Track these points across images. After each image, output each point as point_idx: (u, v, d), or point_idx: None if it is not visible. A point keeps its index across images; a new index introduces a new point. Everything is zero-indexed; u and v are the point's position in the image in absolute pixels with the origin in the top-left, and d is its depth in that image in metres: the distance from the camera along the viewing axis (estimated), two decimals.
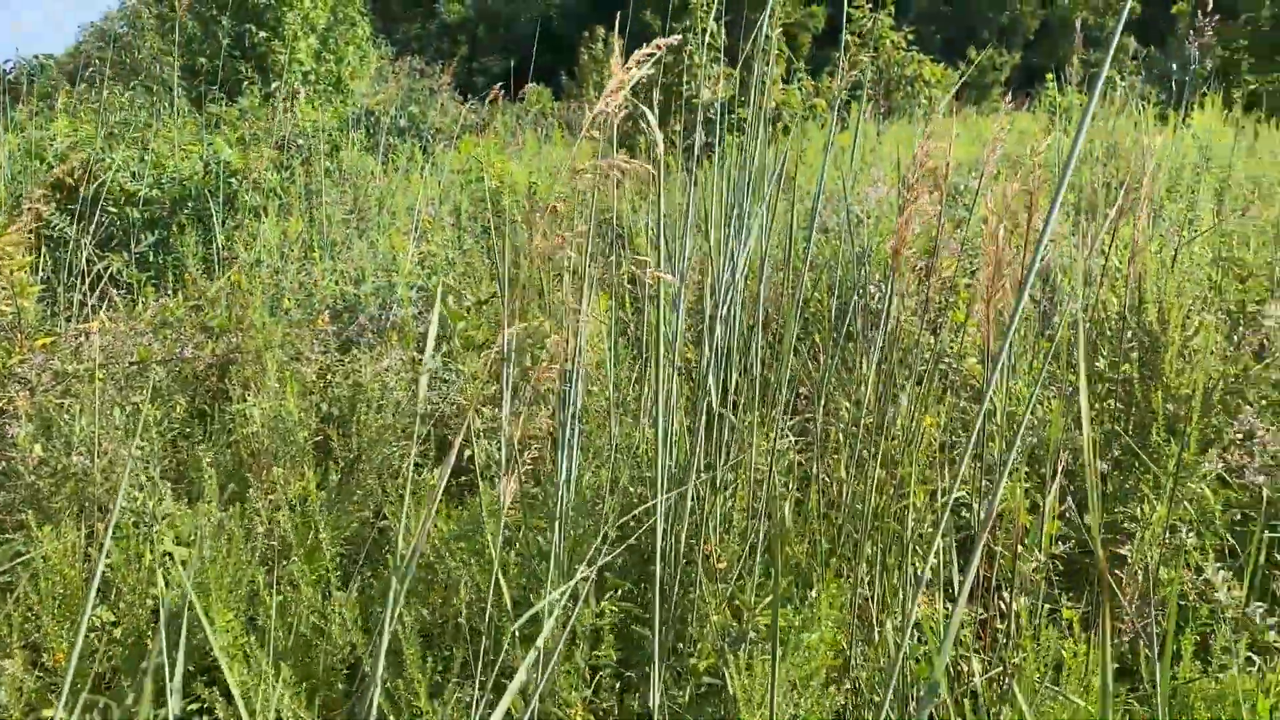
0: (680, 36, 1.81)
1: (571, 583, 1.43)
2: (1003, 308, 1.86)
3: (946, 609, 1.90)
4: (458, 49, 38.81)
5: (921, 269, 2.51)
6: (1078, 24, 9.36)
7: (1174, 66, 10.66)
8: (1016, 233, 2.75)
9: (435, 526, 1.94)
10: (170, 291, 3.55)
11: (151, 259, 3.97)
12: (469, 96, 16.83)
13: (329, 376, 2.61)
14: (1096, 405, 2.61)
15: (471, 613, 1.77)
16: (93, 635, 1.85)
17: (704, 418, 1.76)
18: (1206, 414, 2.30)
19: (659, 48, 1.39)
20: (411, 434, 2.33)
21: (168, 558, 1.87)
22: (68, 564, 1.82)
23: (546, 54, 35.88)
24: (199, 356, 2.65)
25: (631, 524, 1.83)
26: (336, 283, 4.00)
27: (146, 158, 4.37)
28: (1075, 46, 9.09)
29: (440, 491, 1.25)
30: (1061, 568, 2.20)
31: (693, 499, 1.78)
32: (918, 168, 1.65)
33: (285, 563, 1.89)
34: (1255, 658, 1.87)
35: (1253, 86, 10.61)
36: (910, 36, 12.38)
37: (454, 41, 39.27)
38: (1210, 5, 7.53)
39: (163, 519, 1.97)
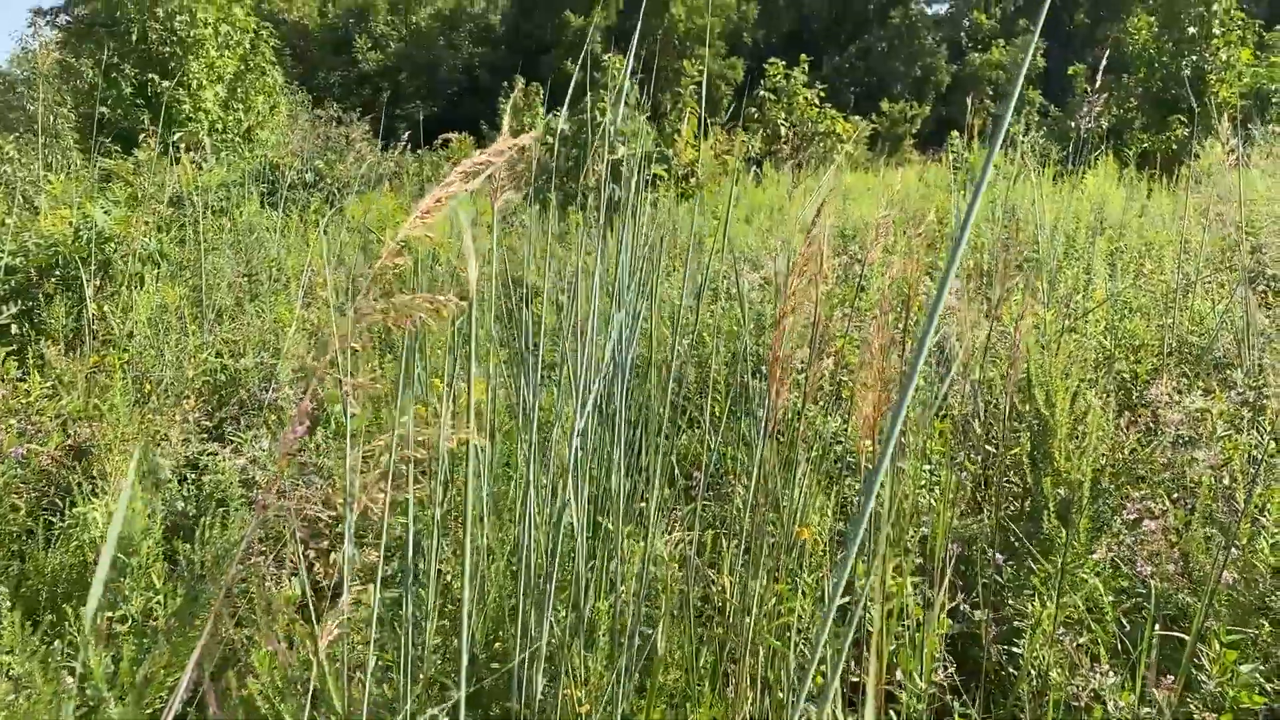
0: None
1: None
2: (887, 402, 1.79)
3: None
4: (378, 96, 38.53)
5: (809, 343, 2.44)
6: (971, 102, 9.63)
7: (1071, 125, 11.06)
8: (915, 301, 2.70)
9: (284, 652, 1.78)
10: (29, 370, 3.31)
11: (15, 330, 3.72)
12: (389, 143, 16.65)
13: (189, 471, 2.43)
14: (991, 489, 2.56)
15: None
16: None
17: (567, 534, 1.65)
18: (1096, 499, 2.26)
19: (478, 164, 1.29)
20: (273, 537, 2.16)
21: None
22: None
23: (469, 103, 35.85)
24: (43, 451, 2.44)
25: (498, 646, 1.70)
26: (218, 354, 3.80)
27: (9, 221, 4.12)
28: (976, 108, 9.34)
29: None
30: (954, 663, 2.13)
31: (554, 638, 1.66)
32: (796, 276, 1.58)
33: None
34: None
35: (1145, 145, 11.04)
36: (823, 94, 12.62)
37: (375, 89, 38.96)
38: (1101, 72, 7.80)
39: None
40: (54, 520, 2.39)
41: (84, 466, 2.56)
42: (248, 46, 14.52)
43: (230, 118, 13.72)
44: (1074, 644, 2.00)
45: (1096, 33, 41.36)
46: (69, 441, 2.67)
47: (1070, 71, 12.52)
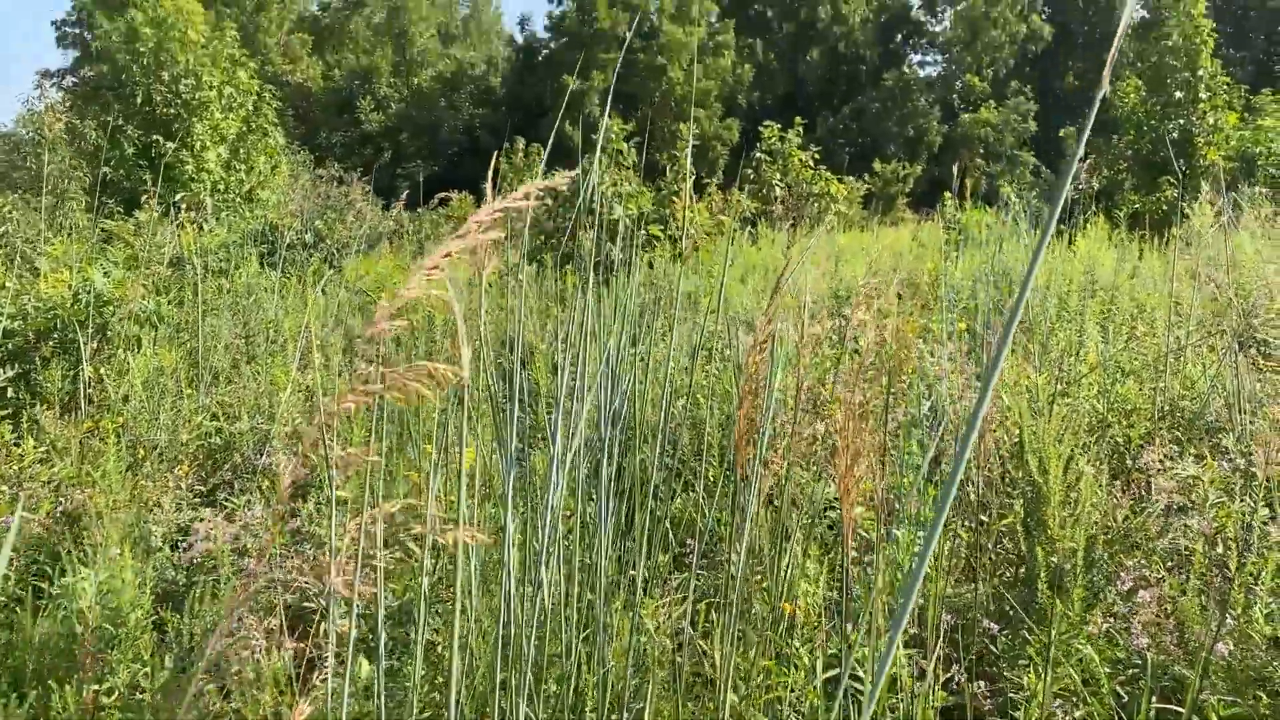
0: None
1: None
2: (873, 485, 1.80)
3: None
4: (380, 156, 39.05)
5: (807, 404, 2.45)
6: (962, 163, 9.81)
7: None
8: (908, 362, 2.72)
9: None
10: (23, 434, 3.31)
11: (10, 394, 3.73)
12: (390, 202, 16.82)
13: (181, 537, 2.42)
14: (985, 555, 2.56)
15: None
16: None
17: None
18: (1090, 568, 2.26)
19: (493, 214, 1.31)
20: (263, 607, 2.15)
21: None
22: None
23: (470, 162, 36.33)
24: (34, 518, 2.44)
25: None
26: (214, 417, 3.80)
27: (9, 284, 4.15)
28: (968, 168, 9.46)
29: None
30: None
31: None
32: (755, 353, 1.59)
33: None
34: None
35: (1136, 206, 11.17)
36: (817, 156, 12.80)
37: (377, 149, 39.51)
38: (1086, 134, 7.89)
39: None
40: (43, 587, 2.38)
41: (74, 533, 2.55)
42: (250, 108, 14.74)
43: (232, 178, 13.88)
44: (1070, 717, 1.99)
45: (1086, 96, 42.13)
46: (60, 508, 2.66)
47: (1061, 134, 12.73)
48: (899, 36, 46.24)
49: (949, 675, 2.10)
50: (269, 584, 2.27)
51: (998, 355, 0.75)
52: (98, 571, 2.16)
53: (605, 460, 1.78)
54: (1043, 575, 2.25)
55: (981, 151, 38.08)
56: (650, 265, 8.37)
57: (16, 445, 3.04)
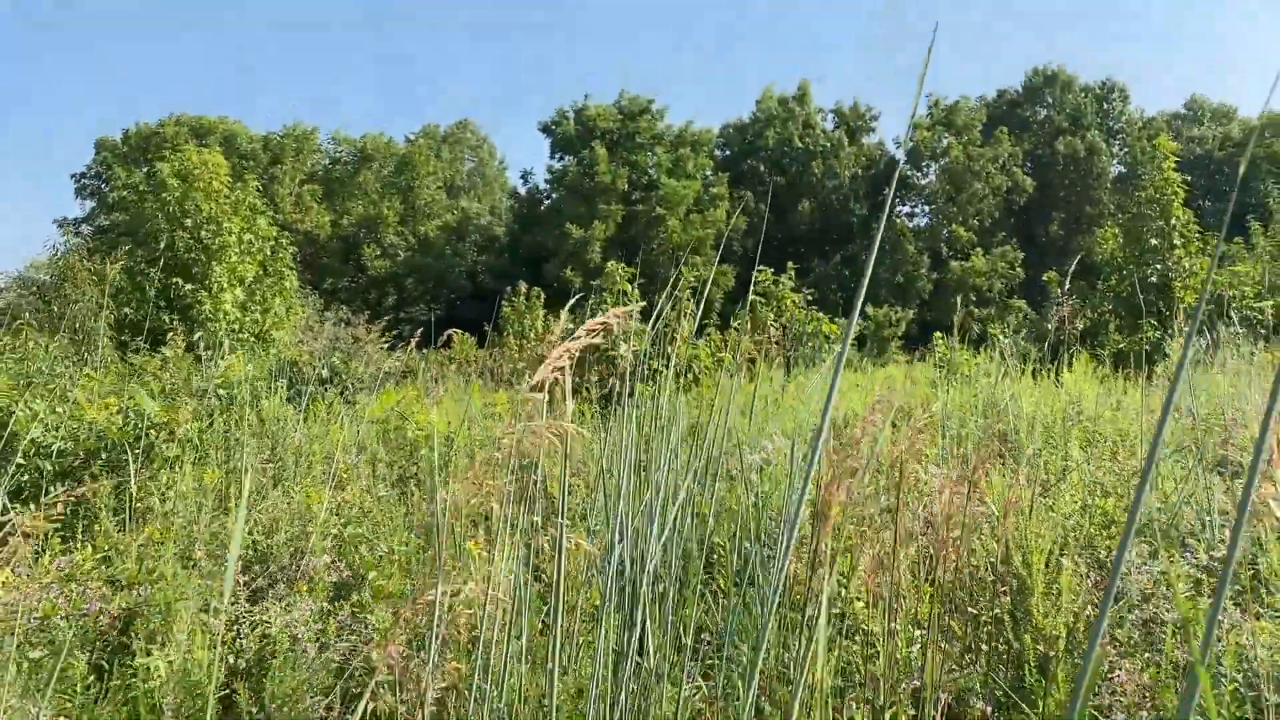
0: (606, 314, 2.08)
1: None
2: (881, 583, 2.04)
3: None
4: (385, 300, 40.13)
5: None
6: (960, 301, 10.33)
7: (1048, 326, 11.73)
8: (905, 483, 2.99)
9: None
10: (78, 544, 3.54)
11: (61, 510, 3.96)
12: (396, 343, 17.32)
13: (238, 627, 2.63)
14: (979, 646, 2.76)
15: None
16: None
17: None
18: (1072, 652, 2.47)
19: (591, 329, 1.61)
20: (320, 688, 2.35)
21: None
22: None
23: (471, 306, 37.29)
24: (104, 610, 2.65)
25: None
26: (250, 532, 4.03)
27: (60, 409, 4.45)
28: (963, 313, 9.92)
29: None
30: None
31: None
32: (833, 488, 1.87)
33: None
34: None
35: (1120, 345, 11.65)
36: (811, 296, 13.35)
37: (382, 293, 40.61)
38: (1069, 278, 8.41)
39: None
40: (109, 672, 2.57)
41: (136, 627, 2.75)
42: (268, 253, 15.40)
43: (247, 318, 14.38)
44: None
45: (1069, 244, 43.69)
46: (121, 606, 2.87)
47: (1045, 278, 13.34)
48: (886, 190, 48.19)
49: None
50: (320, 669, 2.48)
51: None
52: (169, 654, 2.37)
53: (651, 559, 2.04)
54: (1030, 660, 2.46)
55: (973, 298, 39.21)
56: (653, 399, 8.69)
57: (72, 551, 3.27)
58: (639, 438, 2.76)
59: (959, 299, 32.12)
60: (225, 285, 14.34)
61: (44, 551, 3.57)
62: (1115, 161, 48.10)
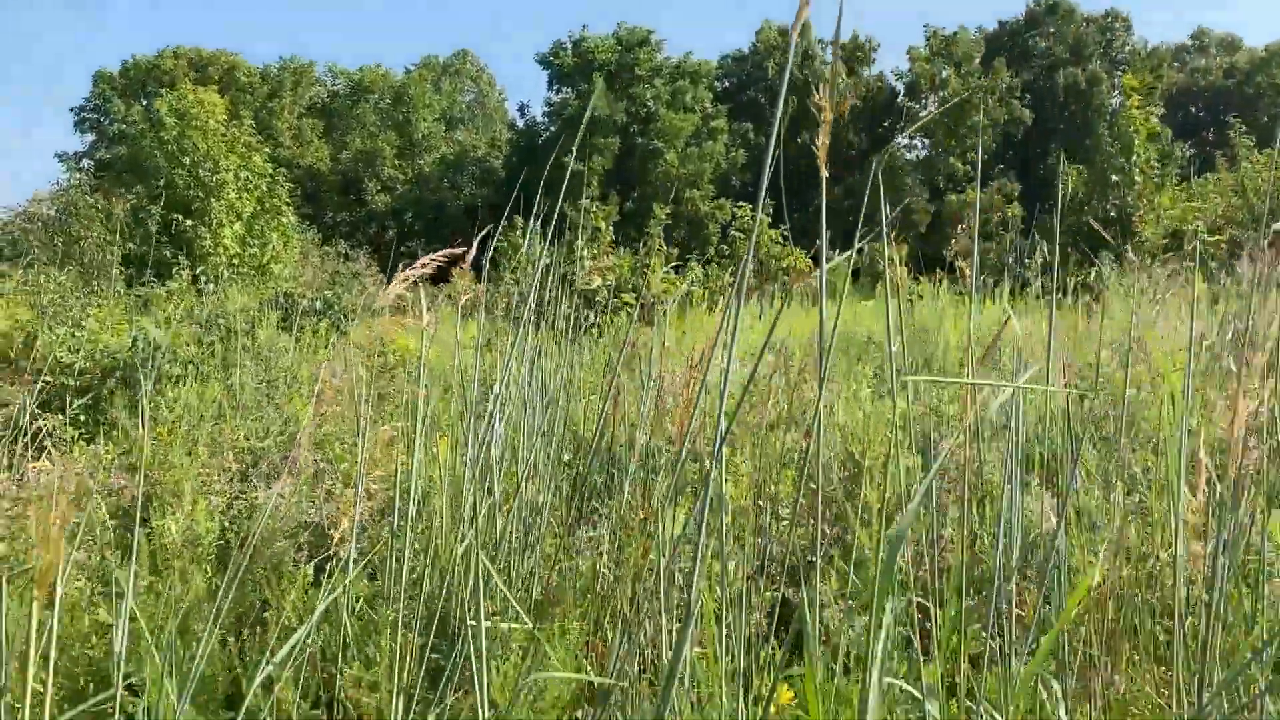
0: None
1: None
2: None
3: None
4: (384, 234, 40.56)
5: None
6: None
7: (1009, 261, 12.31)
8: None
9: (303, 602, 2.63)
10: (101, 446, 4.22)
11: (83, 419, 4.63)
12: (394, 277, 17.88)
13: (232, 507, 3.31)
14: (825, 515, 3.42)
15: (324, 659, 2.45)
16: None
17: None
18: (887, 523, 3.13)
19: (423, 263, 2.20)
20: (296, 539, 3.03)
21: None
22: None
23: (470, 240, 37.63)
24: (126, 487, 3.32)
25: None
26: (246, 437, 4.71)
27: (78, 334, 5.11)
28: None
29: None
30: None
31: None
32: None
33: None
34: None
35: (1079, 279, 12.24)
36: (786, 234, 13.90)
37: (381, 227, 41.02)
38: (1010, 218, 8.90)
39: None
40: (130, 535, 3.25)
41: (152, 506, 3.43)
42: (264, 189, 15.92)
43: (247, 253, 14.96)
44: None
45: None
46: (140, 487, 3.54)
47: (1009, 213, 13.85)
48: (886, 123, 48.16)
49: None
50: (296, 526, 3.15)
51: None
52: (179, 519, 3.05)
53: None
54: (856, 526, 3.13)
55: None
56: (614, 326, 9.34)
57: (96, 448, 3.95)
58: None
59: (954, 232, 32.51)
60: (224, 221, 14.90)
61: (71, 452, 4.25)
62: (1116, 93, 47.95)
